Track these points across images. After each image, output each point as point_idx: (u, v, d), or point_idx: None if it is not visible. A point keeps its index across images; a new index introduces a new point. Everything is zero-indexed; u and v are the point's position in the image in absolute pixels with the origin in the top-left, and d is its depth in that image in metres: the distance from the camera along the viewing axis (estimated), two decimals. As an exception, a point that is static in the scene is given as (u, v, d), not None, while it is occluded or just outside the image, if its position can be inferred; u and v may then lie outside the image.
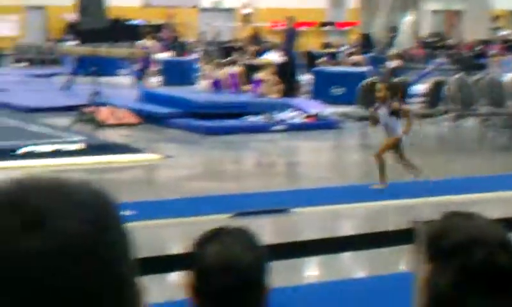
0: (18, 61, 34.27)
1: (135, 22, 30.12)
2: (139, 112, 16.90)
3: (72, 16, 27.87)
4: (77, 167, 11.61)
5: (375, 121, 10.48)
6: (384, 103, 10.06)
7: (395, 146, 10.10)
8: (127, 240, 1.01)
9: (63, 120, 16.48)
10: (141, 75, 22.96)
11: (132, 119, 16.62)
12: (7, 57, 34.36)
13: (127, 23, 28.50)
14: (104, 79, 18.29)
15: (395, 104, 10.11)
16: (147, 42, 24.59)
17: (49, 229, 0.95)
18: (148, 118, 16.57)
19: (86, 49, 20.34)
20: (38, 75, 28.25)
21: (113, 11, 22.06)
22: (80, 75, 21.19)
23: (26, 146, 12.32)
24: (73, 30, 28.17)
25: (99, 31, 19.39)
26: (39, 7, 38.84)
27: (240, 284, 1.97)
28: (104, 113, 16.32)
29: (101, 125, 15.83)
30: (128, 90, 20.99)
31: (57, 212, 0.96)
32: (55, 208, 0.96)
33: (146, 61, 22.99)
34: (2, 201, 0.97)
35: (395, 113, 10.03)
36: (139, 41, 24.05)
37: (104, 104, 16.65)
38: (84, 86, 18.65)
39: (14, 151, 12.02)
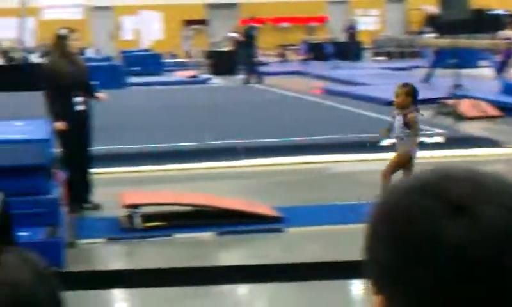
0: (377, 54, 34.93)
1: (497, 11, 29.41)
2: (500, 105, 16.46)
3: (433, 9, 27.83)
4: (437, 160, 11.52)
5: (387, 130, 8.73)
6: (401, 110, 8.38)
7: (408, 164, 8.35)
8: None
9: (423, 113, 16.44)
10: (502, 66, 22.34)
11: (493, 111, 16.22)
12: (367, 52, 35.20)
13: (488, 13, 27.87)
14: (465, 71, 18.03)
15: (411, 115, 8.34)
16: (509, 32, 23.90)
17: (475, 216, 0.97)
18: (510, 111, 16.10)
19: (446, 41, 20.16)
20: (397, 68, 28.55)
21: (475, 1, 21.69)
22: (439, 68, 21.09)
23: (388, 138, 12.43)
24: (433, 22, 28.11)
25: (459, 22, 19.13)
26: (399, 1, 39.42)
27: None
28: (464, 106, 16.10)
29: (462, 117, 15.62)
30: (489, 82, 20.52)
31: (479, 199, 0.99)
32: (476, 195, 0.99)
33: (509, 52, 22.30)
34: (427, 188, 1.02)
35: (407, 124, 8.32)
36: (500, 32, 23.46)
37: (464, 96, 16.42)
38: (443, 79, 18.50)
39: (376, 143, 12.20)
